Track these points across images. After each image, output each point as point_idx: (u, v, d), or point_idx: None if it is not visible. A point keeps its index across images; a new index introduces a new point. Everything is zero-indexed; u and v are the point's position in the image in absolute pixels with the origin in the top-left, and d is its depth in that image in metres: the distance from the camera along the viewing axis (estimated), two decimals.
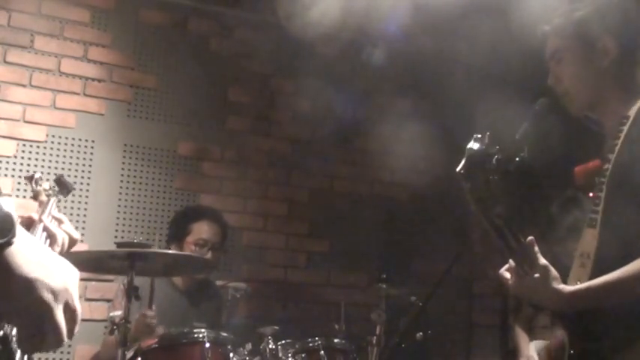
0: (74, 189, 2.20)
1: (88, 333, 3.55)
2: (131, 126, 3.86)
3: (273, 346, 2.73)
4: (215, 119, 4.10)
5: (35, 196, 2.03)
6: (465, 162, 1.52)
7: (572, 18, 1.74)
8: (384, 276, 3.37)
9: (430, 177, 4.27)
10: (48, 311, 0.85)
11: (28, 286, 0.83)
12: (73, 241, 1.70)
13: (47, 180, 2.12)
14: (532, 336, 3.77)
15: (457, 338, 4.26)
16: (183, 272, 3.35)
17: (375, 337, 3.17)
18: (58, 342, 0.87)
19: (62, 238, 1.64)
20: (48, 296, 0.85)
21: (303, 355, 2.80)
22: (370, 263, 4.30)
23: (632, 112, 1.64)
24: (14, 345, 0.97)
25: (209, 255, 3.33)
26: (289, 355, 2.78)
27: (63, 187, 2.14)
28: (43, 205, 1.93)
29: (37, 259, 0.85)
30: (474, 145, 1.53)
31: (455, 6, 3.53)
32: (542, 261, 1.62)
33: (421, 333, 2.98)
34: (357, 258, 4.31)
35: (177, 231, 3.39)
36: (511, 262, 1.65)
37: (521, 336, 3.71)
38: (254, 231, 4.12)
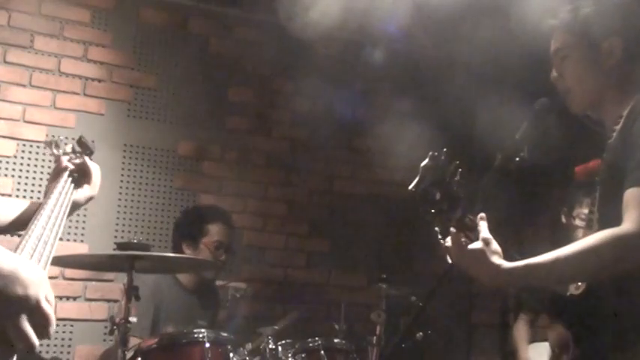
0: (95, 149, 2.21)
1: (88, 333, 3.56)
2: (131, 126, 3.86)
3: (273, 346, 2.73)
4: (215, 119, 4.10)
5: (56, 161, 2.03)
6: (418, 180, 1.55)
7: (579, 15, 1.74)
8: (384, 276, 3.37)
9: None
10: (9, 322, 0.84)
11: None
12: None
13: (68, 141, 2.12)
14: (532, 337, 3.78)
15: (457, 338, 4.25)
16: (185, 271, 3.35)
17: (375, 337, 3.17)
18: (28, 347, 0.86)
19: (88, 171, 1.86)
20: (7, 307, 0.83)
21: (303, 355, 2.79)
22: (370, 263, 4.30)
23: (625, 112, 1.64)
24: None
25: (223, 257, 3.36)
26: (289, 355, 2.78)
27: (85, 148, 2.12)
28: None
29: None
30: (427, 163, 1.56)
31: (455, 6, 3.52)
32: (486, 233, 1.63)
33: (421, 333, 2.98)
34: (357, 258, 4.31)
35: (193, 230, 3.37)
36: (452, 229, 1.65)
37: (520, 338, 3.71)
38: (254, 231, 4.12)
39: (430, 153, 1.57)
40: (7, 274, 0.84)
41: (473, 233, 1.63)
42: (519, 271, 1.57)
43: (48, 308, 0.86)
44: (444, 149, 1.59)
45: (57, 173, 1.87)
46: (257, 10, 4.13)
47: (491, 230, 1.65)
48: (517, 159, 1.83)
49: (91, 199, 1.93)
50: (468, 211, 1.60)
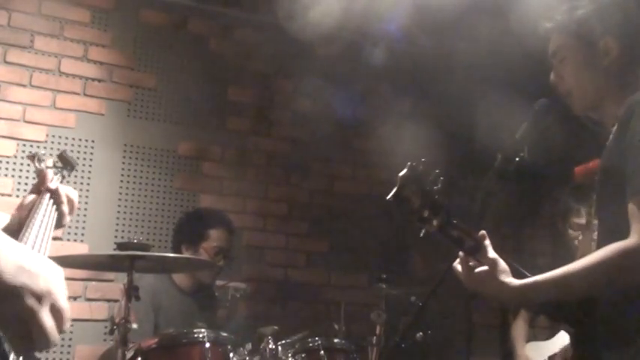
0: (77, 164, 2.22)
1: (88, 333, 3.56)
2: (131, 126, 3.86)
3: (273, 346, 2.73)
4: (215, 119, 4.11)
5: (39, 175, 2.04)
6: (396, 190, 1.57)
7: (574, 16, 1.74)
8: (384, 276, 3.37)
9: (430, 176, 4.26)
10: (33, 316, 0.85)
11: (11, 293, 0.83)
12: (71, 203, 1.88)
13: (50, 156, 2.14)
14: (531, 337, 3.79)
15: (457, 338, 4.25)
16: (185, 271, 3.35)
17: (375, 337, 3.17)
18: (47, 343, 0.87)
19: (65, 195, 1.83)
20: (32, 302, 0.85)
21: (303, 355, 2.79)
22: (370, 263, 4.30)
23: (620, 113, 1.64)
24: (7, 346, 0.97)
25: (222, 262, 3.35)
26: (289, 355, 2.78)
27: (66, 163, 2.14)
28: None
29: (18, 264, 0.84)
30: (406, 173, 1.57)
31: (455, 6, 3.53)
32: (492, 254, 1.64)
33: (421, 333, 2.98)
34: (357, 258, 4.31)
35: (193, 234, 3.36)
36: (461, 254, 1.68)
37: (518, 337, 3.72)
38: (254, 231, 4.12)
39: (408, 163, 1.59)
40: (29, 269, 0.86)
41: (463, 239, 1.65)
42: (529, 288, 1.58)
43: (65, 303, 0.89)
44: (423, 159, 1.60)
45: (39, 188, 1.86)
46: (257, 10, 4.13)
47: (491, 229, 1.66)
48: (517, 159, 1.83)
49: (62, 226, 1.92)
50: (451, 218, 1.62)
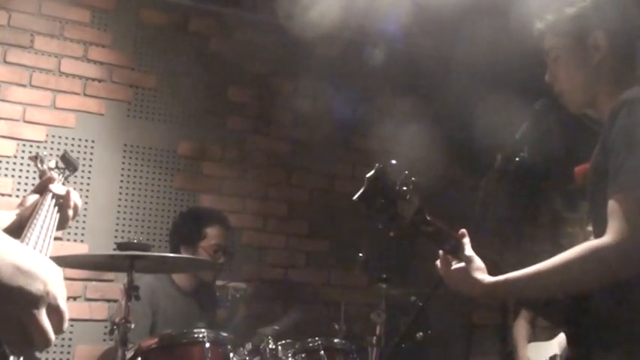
0: (79, 165, 2.22)
1: (88, 333, 3.56)
2: (131, 126, 3.86)
3: (273, 346, 2.73)
4: (215, 119, 4.10)
5: (41, 176, 2.03)
6: (362, 191, 1.60)
7: (564, 15, 1.74)
8: (384, 276, 3.37)
9: (429, 177, 4.26)
10: (30, 317, 0.84)
11: (6, 294, 0.82)
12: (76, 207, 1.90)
13: (51, 157, 2.14)
14: (532, 337, 3.79)
15: (457, 338, 4.26)
16: (185, 271, 3.35)
17: (375, 337, 3.17)
18: (45, 344, 0.86)
19: (73, 201, 1.83)
20: (28, 303, 0.84)
21: (303, 355, 2.79)
22: (370, 263, 4.29)
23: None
24: (7, 348, 0.96)
25: (222, 259, 3.36)
26: (289, 355, 2.78)
27: (68, 164, 2.15)
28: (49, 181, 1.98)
29: (14, 266, 0.83)
30: (372, 175, 1.61)
31: (455, 6, 3.53)
32: (468, 252, 1.70)
33: (421, 333, 2.98)
34: (357, 258, 4.31)
35: (190, 234, 3.37)
36: (441, 253, 1.75)
37: (520, 336, 3.72)
38: (254, 231, 4.12)
39: (376, 165, 1.63)
40: (26, 271, 0.85)
41: (443, 238, 1.70)
42: (500, 285, 1.63)
43: (63, 305, 0.88)
44: (392, 161, 1.64)
45: (42, 188, 1.85)
46: (257, 10, 4.13)
47: (491, 229, 1.66)
48: (517, 159, 1.83)
49: (62, 228, 1.90)
50: (426, 216, 1.66)
